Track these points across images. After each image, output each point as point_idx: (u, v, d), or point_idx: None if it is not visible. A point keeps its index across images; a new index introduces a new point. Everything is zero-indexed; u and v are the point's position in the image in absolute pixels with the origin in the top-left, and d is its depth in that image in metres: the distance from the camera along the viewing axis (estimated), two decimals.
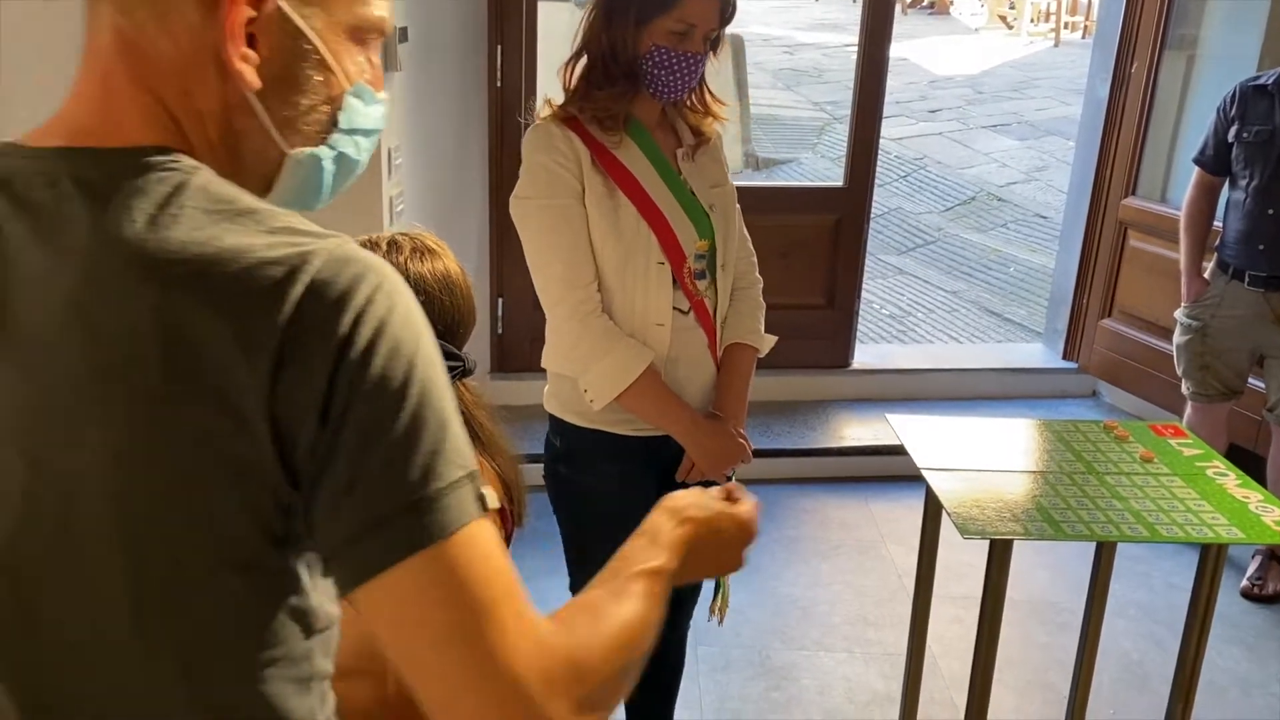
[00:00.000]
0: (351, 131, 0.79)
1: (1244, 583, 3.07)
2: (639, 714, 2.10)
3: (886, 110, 3.95)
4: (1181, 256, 3.11)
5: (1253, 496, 1.58)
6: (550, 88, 1.87)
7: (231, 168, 0.73)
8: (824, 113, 9.19)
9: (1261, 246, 2.89)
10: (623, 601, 0.77)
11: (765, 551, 3.18)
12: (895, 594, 2.96)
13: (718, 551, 0.93)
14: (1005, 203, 7.32)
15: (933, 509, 1.95)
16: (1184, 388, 3.16)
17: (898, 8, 14.13)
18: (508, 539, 1.25)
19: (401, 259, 1.19)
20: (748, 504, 0.97)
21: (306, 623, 0.74)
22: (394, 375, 0.65)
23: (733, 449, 1.78)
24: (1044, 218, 6.87)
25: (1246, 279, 2.93)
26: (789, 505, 3.47)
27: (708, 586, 2.03)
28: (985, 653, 1.64)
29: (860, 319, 4.17)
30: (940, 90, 10.26)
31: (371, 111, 0.80)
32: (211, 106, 0.72)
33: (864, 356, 4.16)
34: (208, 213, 0.67)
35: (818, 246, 3.91)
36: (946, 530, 3.13)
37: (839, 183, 3.99)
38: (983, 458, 1.75)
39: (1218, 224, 3.08)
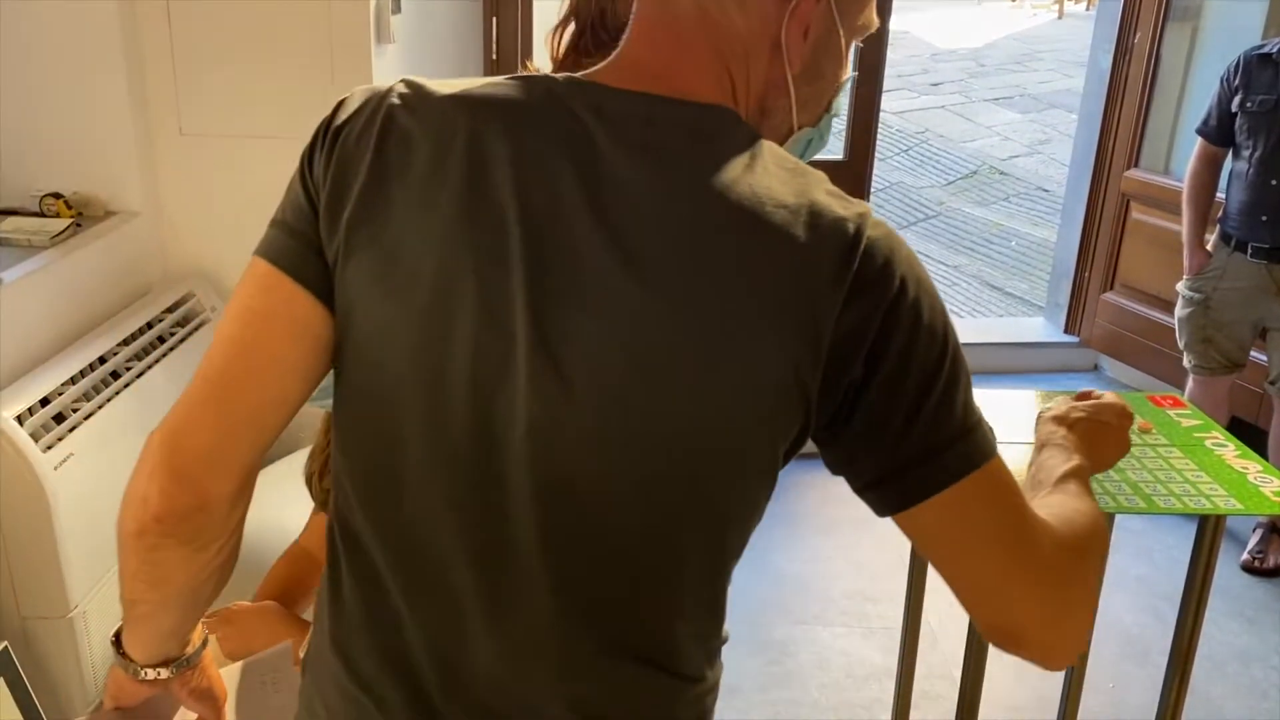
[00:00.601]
0: (832, 116, 0.90)
1: (1244, 556, 3.07)
2: None
3: (888, 84, 3.91)
4: (1184, 229, 3.09)
5: (1251, 467, 1.56)
6: (546, 61, 1.84)
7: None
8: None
9: (1264, 218, 2.87)
10: (1072, 500, 0.90)
11: (764, 527, 3.14)
12: (894, 569, 2.95)
13: (1109, 438, 1.06)
14: (1007, 176, 7.28)
15: None
16: (1185, 361, 3.15)
17: None
18: None
19: None
20: (1110, 394, 1.12)
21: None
22: (937, 325, 0.76)
23: None
24: (1046, 191, 6.83)
25: (1249, 251, 2.91)
26: (789, 481, 3.42)
27: None
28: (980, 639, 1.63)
29: None
30: (942, 63, 10.18)
31: (843, 100, 0.91)
32: (758, 82, 0.82)
33: None
34: (782, 169, 0.77)
35: None
36: None
37: (839, 156, 3.96)
38: None
39: (1220, 196, 3.06)
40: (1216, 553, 1.63)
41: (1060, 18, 12.67)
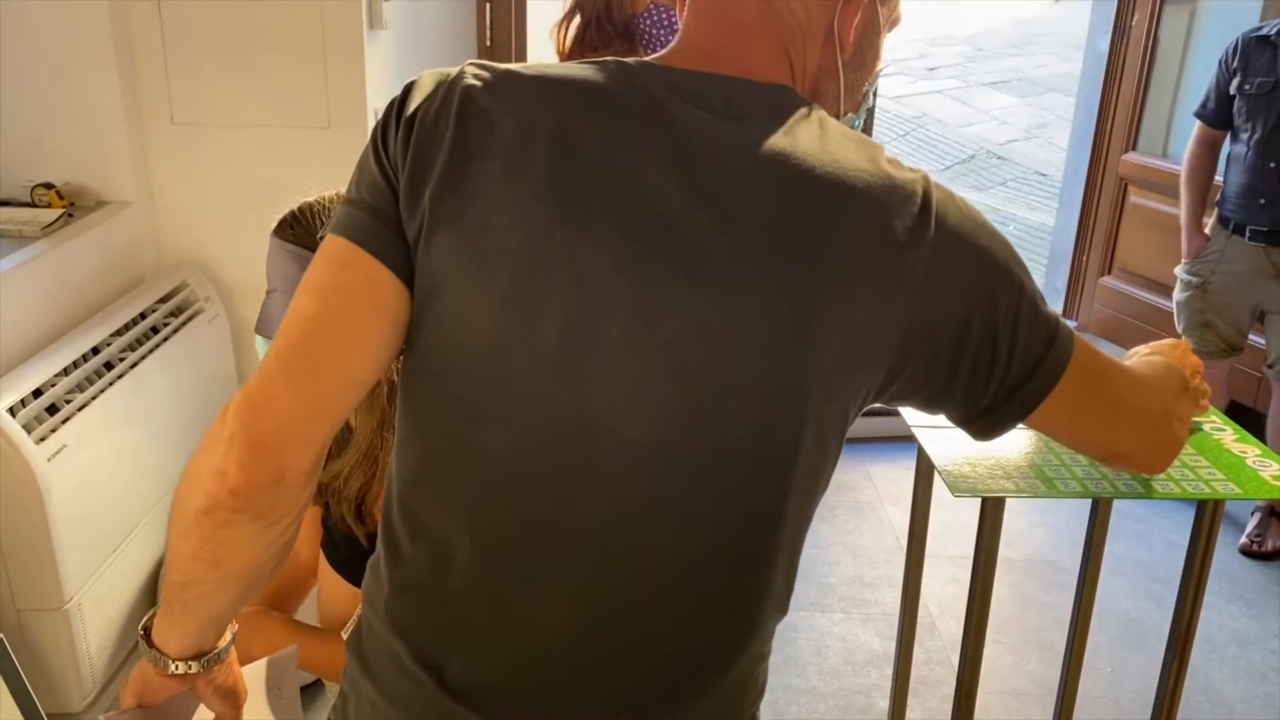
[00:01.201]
0: (867, 105, 0.96)
1: (1243, 539, 3.06)
2: None
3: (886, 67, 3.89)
4: (1182, 212, 3.08)
5: (1250, 451, 1.55)
6: (542, 47, 1.82)
7: None
8: None
9: (1263, 200, 2.85)
10: (1156, 364, 1.05)
11: None
12: (893, 555, 2.96)
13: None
14: (1005, 161, 7.26)
15: (925, 468, 1.94)
16: None
17: None
18: None
19: None
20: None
21: None
22: (1010, 259, 0.83)
23: None
24: (1044, 175, 6.81)
25: (1247, 234, 2.89)
26: None
27: None
28: (978, 611, 1.62)
29: None
30: (940, 48, 10.14)
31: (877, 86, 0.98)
32: (812, 66, 0.87)
33: None
34: (849, 139, 0.81)
35: None
36: (944, 490, 3.11)
37: None
38: None
39: (1219, 179, 3.04)
40: (1215, 537, 1.62)
41: (1058, 1, 12.61)
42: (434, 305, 0.81)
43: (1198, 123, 3.04)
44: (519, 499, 0.82)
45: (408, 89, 0.84)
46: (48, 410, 1.99)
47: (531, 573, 0.82)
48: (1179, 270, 3.10)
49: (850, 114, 0.92)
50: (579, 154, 0.79)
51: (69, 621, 1.97)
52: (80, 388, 2.09)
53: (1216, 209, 3.01)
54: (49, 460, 1.91)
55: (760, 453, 0.80)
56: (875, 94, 0.95)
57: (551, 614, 0.83)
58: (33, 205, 2.39)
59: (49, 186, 2.42)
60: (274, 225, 1.16)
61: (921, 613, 2.73)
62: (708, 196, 0.78)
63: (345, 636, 0.96)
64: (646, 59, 0.85)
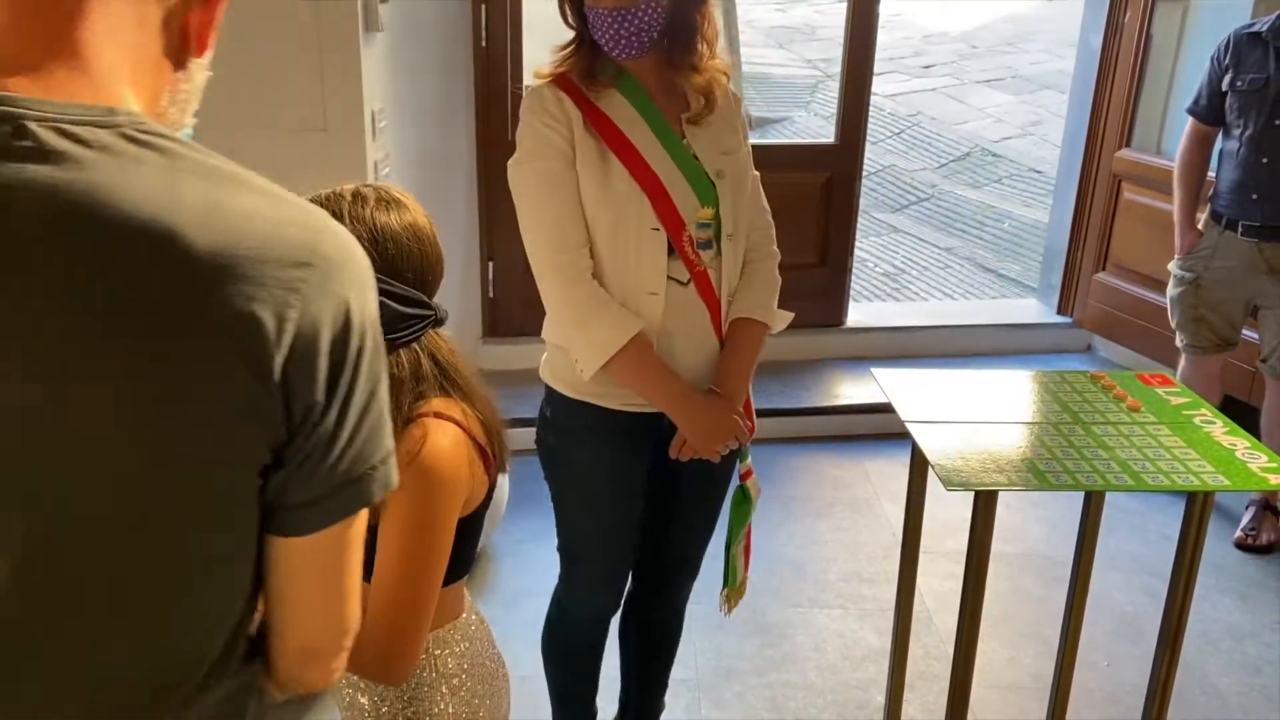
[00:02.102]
0: (192, 120, 0.83)
1: (1238, 533, 3.08)
2: (636, 679, 2.11)
3: (880, 67, 3.91)
4: (1175, 208, 3.09)
5: (1239, 443, 1.57)
6: (536, 47, 1.84)
7: None
8: (817, 70, 9.11)
9: (1255, 196, 2.87)
10: None
11: (761, 511, 3.14)
12: (890, 550, 2.97)
13: None
14: (1000, 158, 7.28)
15: (919, 463, 1.95)
16: (1178, 340, 3.16)
17: None
18: (491, 484, 1.24)
19: (367, 210, 1.16)
20: None
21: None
22: (373, 364, 0.75)
23: (725, 426, 1.71)
24: (1039, 172, 6.83)
25: (1240, 229, 2.91)
26: (784, 464, 3.47)
27: (717, 575, 2.00)
28: (971, 604, 1.64)
29: (855, 277, 4.15)
30: (934, 46, 10.16)
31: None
32: (148, 70, 0.74)
33: (858, 315, 4.15)
34: (207, 168, 0.70)
35: (809, 205, 3.89)
36: (939, 486, 3.13)
37: (830, 140, 3.96)
38: (968, 410, 1.73)
39: (1211, 175, 3.06)
40: (1205, 528, 1.64)
41: None
42: None
43: (1190, 119, 3.05)
44: None
45: None
46: None
47: None
48: (1172, 266, 3.11)
49: (186, 129, 0.80)
50: None
51: None
52: None
53: (1209, 205, 3.03)
54: None
55: (124, 533, 0.71)
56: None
57: None
58: None
59: None
60: None
61: (919, 608, 2.74)
62: (13, 281, 0.63)
63: None
64: None
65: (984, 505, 1.58)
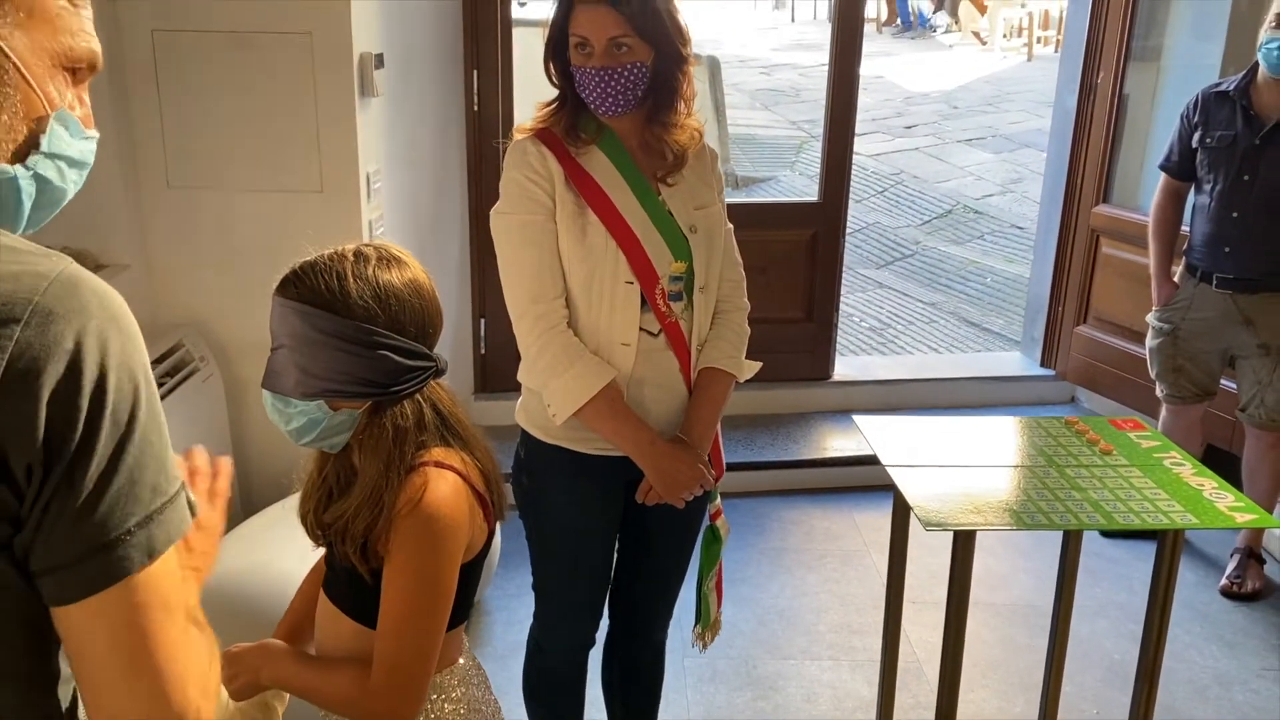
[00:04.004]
0: (54, 156, 0.80)
1: (1223, 581, 3.11)
2: None
3: (863, 127, 4.01)
4: (1151, 261, 3.17)
5: (1207, 484, 1.62)
6: (526, 109, 1.91)
7: None
8: (801, 131, 9.28)
9: (1227, 249, 2.95)
10: None
11: (751, 563, 3.21)
12: (880, 601, 2.97)
13: None
14: (982, 215, 7.40)
15: (901, 508, 1.99)
16: (1158, 390, 3.21)
17: (871, 26, 14.18)
18: (491, 531, 1.28)
19: (370, 269, 1.21)
20: None
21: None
22: (127, 413, 0.72)
23: (689, 475, 1.75)
24: (1020, 229, 6.94)
25: (1214, 281, 2.98)
26: (774, 517, 3.50)
27: (689, 612, 2.05)
28: (953, 644, 1.67)
29: (841, 332, 4.21)
30: (915, 106, 10.37)
31: (79, 144, 0.82)
32: None
33: (845, 368, 4.20)
34: None
35: (795, 261, 3.96)
36: (931, 538, 3.17)
37: (814, 198, 4.04)
38: (948, 455, 1.78)
39: (1186, 229, 3.14)
40: (1177, 565, 1.68)
41: (1029, 60, 12.92)
42: None
43: (1163, 175, 3.14)
44: None
45: None
46: None
47: None
48: (1150, 318, 3.18)
49: (9, 169, 0.78)
50: None
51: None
52: None
53: (1184, 258, 3.10)
54: None
55: None
56: (50, 146, 0.80)
57: None
58: None
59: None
60: (276, 285, 1.22)
61: (909, 659, 2.76)
62: None
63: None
64: None
65: (963, 546, 1.61)
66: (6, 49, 0.75)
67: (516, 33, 3.55)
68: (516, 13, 3.61)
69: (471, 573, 1.26)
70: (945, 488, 1.62)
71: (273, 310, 1.21)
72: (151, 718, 0.75)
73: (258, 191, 2.66)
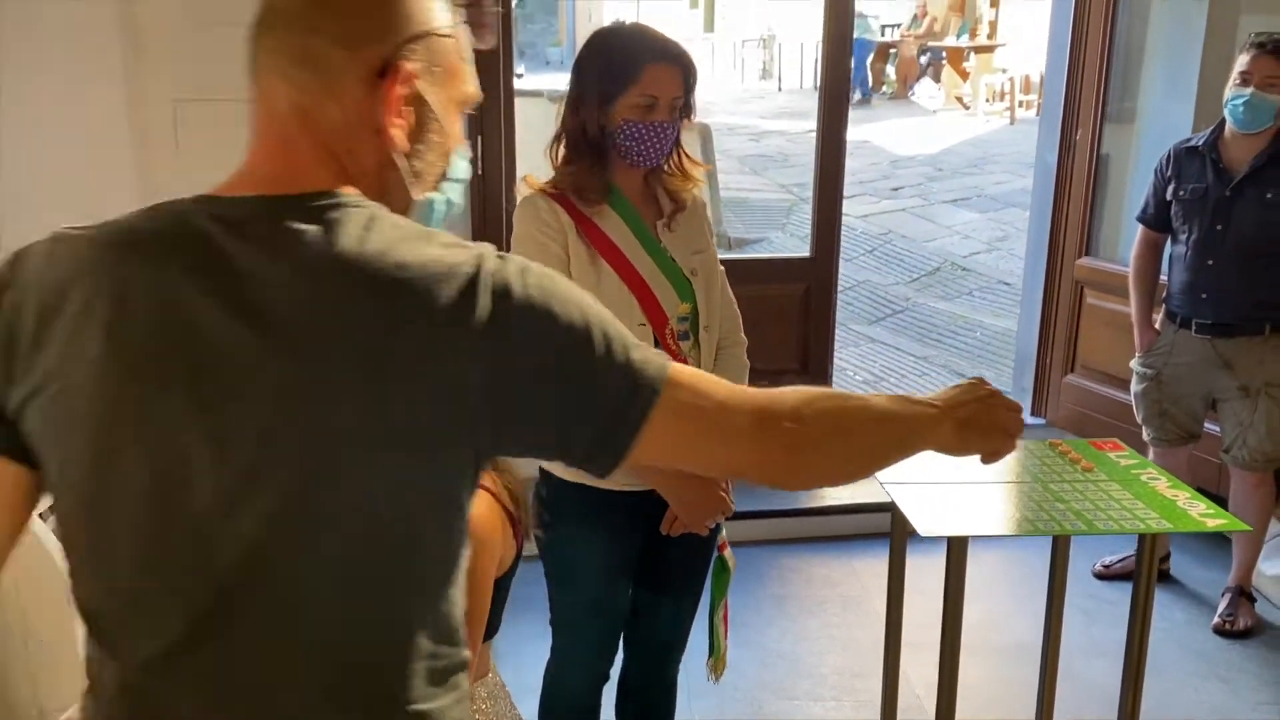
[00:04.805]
0: (455, 180, 1.02)
1: (1216, 619, 3.17)
2: None
3: (851, 190, 4.16)
4: (1132, 309, 3.29)
5: (1181, 495, 1.75)
6: (549, 170, 2.02)
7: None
8: (791, 194, 9.48)
9: (1204, 295, 3.06)
10: (851, 398, 1.06)
11: (753, 609, 3.26)
12: (880, 644, 3.03)
13: (985, 418, 1.14)
14: (969, 272, 7.56)
15: (899, 525, 2.08)
16: (1145, 434, 3.31)
17: (858, 93, 14.48)
18: (519, 549, 1.36)
19: None
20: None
21: None
22: (570, 313, 0.91)
23: (712, 501, 1.84)
24: (1007, 284, 7.09)
25: (1194, 327, 3.10)
26: (775, 564, 3.56)
27: (703, 644, 2.12)
28: (950, 647, 1.76)
29: (835, 384, 4.30)
30: (902, 169, 10.60)
31: (462, 164, 1.03)
32: (369, 162, 0.94)
33: None
34: (398, 233, 0.89)
35: (789, 314, 4.07)
36: (931, 581, 3.27)
37: (806, 254, 4.17)
38: (940, 474, 1.89)
39: (1165, 278, 3.26)
40: (1155, 568, 1.81)
41: (1012, 123, 13.21)
42: (46, 469, 0.91)
43: (1140, 227, 3.28)
44: (159, 610, 0.89)
45: None
46: None
47: (174, 665, 0.90)
48: (1134, 364, 3.29)
49: (431, 194, 1.00)
50: (138, 311, 0.86)
51: None
52: None
53: (1164, 305, 3.22)
54: None
55: (361, 519, 0.88)
56: (455, 173, 1.02)
57: (233, 667, 0.90)
58: None
59: None
60: None
61: (910, 698, 2.81)
62: (262, 322, 0.85)
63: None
64: (205, 194, 0.92)
65: (956, 553, 1.71)
66: (431, 105, 0.95)
67: (518, 102, 3.70)
68: (515, 83, 3.77)
69: (501, 588, 1.34)
70: (938, 501, 1.74)
71: None
72: None
73: None
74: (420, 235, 0.90)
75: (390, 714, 0.91)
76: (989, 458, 1.16)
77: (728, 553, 2.03)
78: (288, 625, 0.89)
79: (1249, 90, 2.90)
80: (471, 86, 1.00)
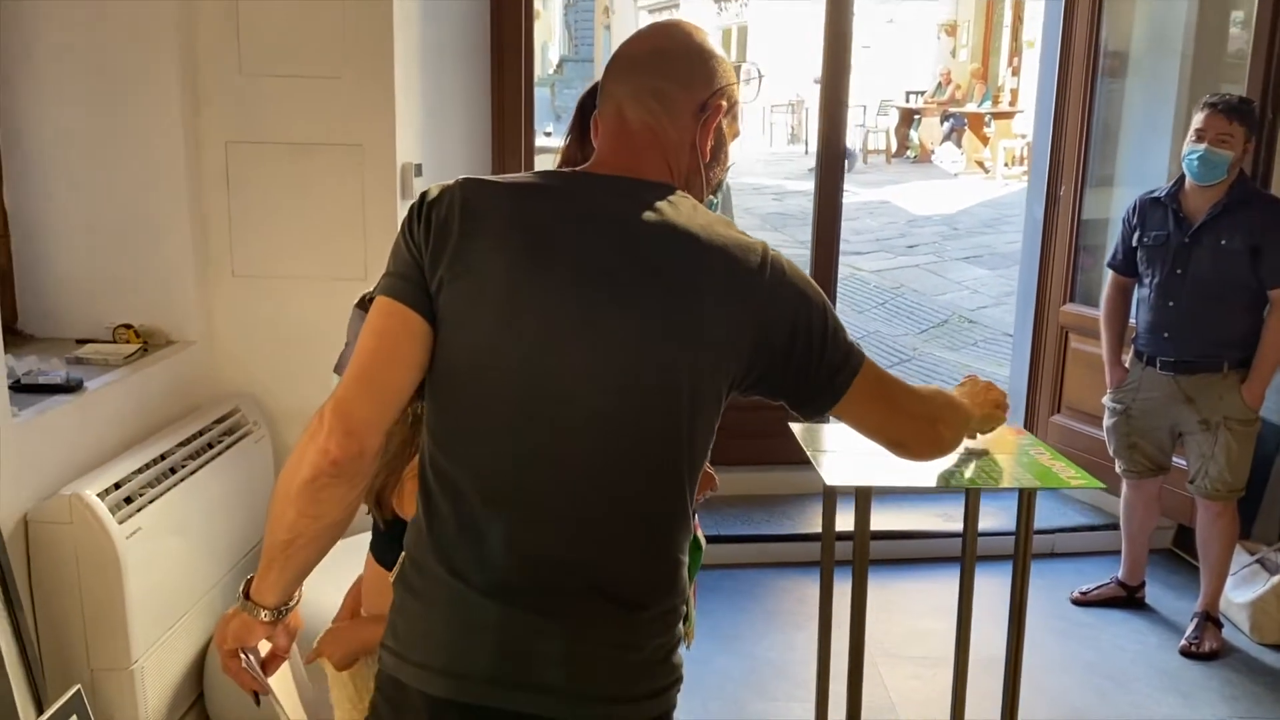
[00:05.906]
0: (721, 188, 1.46)
1: (1183, 642, 3.34)
2: None
3: (867, 246, 4.46)
4: (1103, 348, 3.51)
5: (1058, 465, 2.18)
6: None
7: None
8: (807, 250, 9.75)
9: (1167, 334, 3.29)
10: (941, 392, 1.55)
11: (746, 623, 3.47)
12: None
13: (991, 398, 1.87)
14: (975, 324, 7.78)
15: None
16: (1117, 466, 3.51)
17: (881, 157, 14.70)
18: None
19: None
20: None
21: None
22: (818, 301, 1.30)
23: (702, 476, 2.12)
24: (1010, 336, 7.27)
25: (1158, 364, 3.31)
26: (769, 585, 3.77)
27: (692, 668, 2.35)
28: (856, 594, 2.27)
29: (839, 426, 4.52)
30: (918, 228, 10.87)
31: (725, 179, 1.46)
32: (683, 169, 1.33)
33: None
34: (709, 214, 1.29)
35: None
36: (910, 600, 3.51)
37: None
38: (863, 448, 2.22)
39: (1134, 320, 3.49)
40: (1033, 518, 2.22)
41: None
42: (449, 332, 1.24)
43: (1110, 272, 3.52)
44: (510, 451, 1.24)
45: (424, 197, 1.28)
46: (125, 499, 2.37)
47: (524, 505, 1.24)
48: (1105, 400, 3.51)
49: (710, 197, 1.40)
50: (541, 229, 1.24)
51: (134, 681, 2.29)
52: (150, 484, 2.48)
53: (1133, 344, 3.45)
54: (128, 538, 2.28)
55: (664, 409, 1.24)
56: (726, 180, 1.44)
57: (541, 535, 1.23)
58: (115, 342, 2.84)
59: (128, 326, 2.87)
60: (356, 301, 1.61)
61: (884, 705, 3.01)
62: (629, 252, 1.24)
63: (392, 580, 1.33)
64: (577, 169, 1.33)
65: (862, 501, 2.23)
66: (727, 133, 1.37)
67: (538, 159, 4.03)
68: (540, 140, 4.09)
69: None
70: (856, 466, 2.23)
71: (351, 318, 1.61)
72: None
73: (309, 279, 3.05)
74: (724, 221, 1.29)
75: (664, 568, 1.30)
76: (992, 426, 1.89)
77: (700, 533, 2.27)
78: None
79: (1203, 146, 3.14)
80: (740, 127, 1.40)
